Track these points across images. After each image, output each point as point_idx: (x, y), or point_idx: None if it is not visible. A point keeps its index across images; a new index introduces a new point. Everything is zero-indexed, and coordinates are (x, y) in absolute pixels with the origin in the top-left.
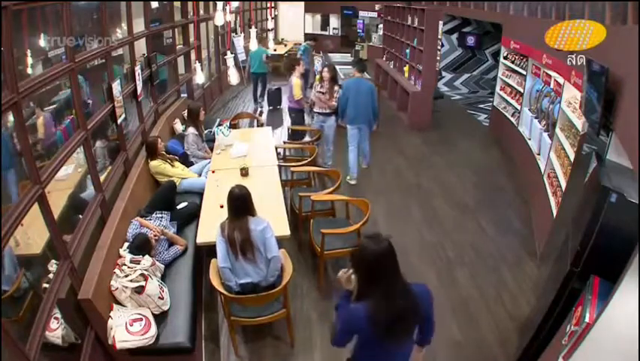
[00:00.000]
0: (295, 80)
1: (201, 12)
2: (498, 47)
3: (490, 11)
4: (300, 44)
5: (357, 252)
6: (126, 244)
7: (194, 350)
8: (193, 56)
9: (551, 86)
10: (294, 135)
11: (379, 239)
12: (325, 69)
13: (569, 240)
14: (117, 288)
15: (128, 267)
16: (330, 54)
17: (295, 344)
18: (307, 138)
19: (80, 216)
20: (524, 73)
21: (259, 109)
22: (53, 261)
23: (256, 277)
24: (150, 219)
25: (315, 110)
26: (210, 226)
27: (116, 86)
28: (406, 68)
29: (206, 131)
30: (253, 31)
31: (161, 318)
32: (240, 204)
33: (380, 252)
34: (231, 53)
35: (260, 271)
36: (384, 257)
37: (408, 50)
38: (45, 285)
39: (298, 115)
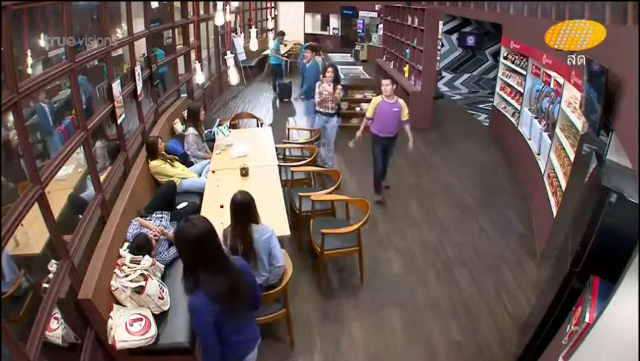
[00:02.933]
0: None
1: (201, 12)
2: (498, 47)
3: (490, 11)
4: (301, 44)
5: (178, 236)
6: (126, 244)
7: (194, 350)
8: (193, 56)
9: (551, 86)
10: None
11: (197, 221)
12: (330, 69)
13: (569, 240)
14: (117, 288)
15: (128, 267)
16: (330, 54)
17: (295, 344)
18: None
19: (80, 216)
20: (524, 73)
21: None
22: (53, 261)
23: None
24: (150, 220)
25: (318, 110)
26: None
27: (116, 86)
28: (406, 68)
29: (206, 132)
30: (253, 31)
31: (161, 318)
32: (243, 211)
33: (198, 232)
34: (231, 53)
35: (262, 276)
36: (204, 236)
37: (408, 50)
38: (45, 285)
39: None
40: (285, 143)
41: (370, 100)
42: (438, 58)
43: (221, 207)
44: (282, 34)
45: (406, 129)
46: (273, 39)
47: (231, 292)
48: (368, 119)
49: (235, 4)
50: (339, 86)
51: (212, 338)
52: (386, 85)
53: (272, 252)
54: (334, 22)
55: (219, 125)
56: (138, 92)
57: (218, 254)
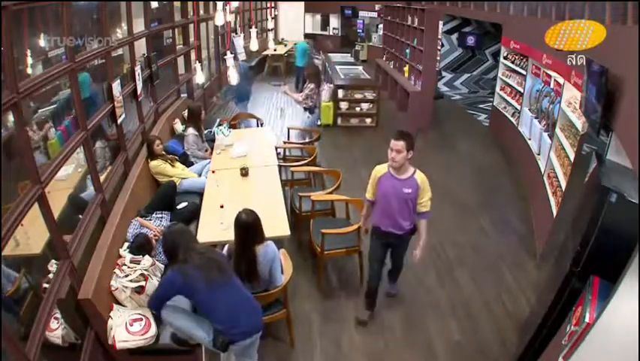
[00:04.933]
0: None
1: (201, 12)
2: (498, 47)
3: (490, 11)
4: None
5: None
6: (126, 244)
7: (194, 350)
8: (193, 56)
9: (551, 86)
10: None
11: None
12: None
13: (569, 240)
14: (117, 288)
15: (128, 267)
16: (330, 54)
17: (295, 344)
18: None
19: (80, 216)
20: (524, 73)
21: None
22: (53, 261)
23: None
24: (150, 220)
25: None
26: (210, 226)
27: (116, 86)
28: (405, 68)
29: (206, 132)
30: (253, 31)
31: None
32: (248, 233)
33: (175, 229)
34: (231, 53)
35: (260, 288)
36: (179, 232)
37: (408, 50)
38: (45, 285)
39: None
40: (285, 143)
41: (371, 100)
42: (438, 58)
43: (222, 207)
44: (313, 37)
45: (421, 226)
46: (274, 41)
47: (207, 263)
48: (368, 202)
49: (235, 4)
50: (310, 85)
51: (161, 300)
52: (396, 151)
53: (272, 272)
54: (334, 22)
55: (219, 125)
56: (138, 92)
57: (190, 245)
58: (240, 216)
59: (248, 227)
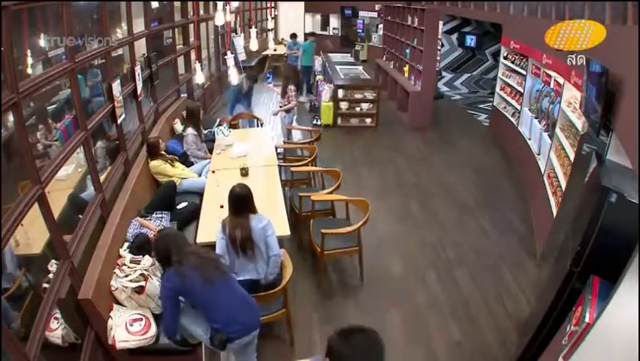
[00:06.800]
0: None
1: (201, 12)
2: (498, 47)
3: (490, 11)
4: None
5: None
6: (126, 244)
7: (195, 350)
8: (193, 56)
9: (551, 86)
10: None
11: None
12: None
13: (569, 240)
14: (117, 288)
15: (128, 267)
16: (330, 54)
17: (295, 344)
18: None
19: (80, 216)
20: (524, 73)
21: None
22: (53, 261)
23: (255, 274)
24: (150, 220)
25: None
26: (210, 226)
27: (116, 86)
28: (405, 68)
29: (206, 132)
30: (253, 31)
31: (161, 318)
32: (242, 203)
33: (167, 233)
34: (231, 53)
35: (260, 269)
36: (171, 236)
37: (408, 50)
38: (45, 285)
39: None
40: (285, 143)
41: (371, 100)
42: (438, 58)
43: (222, 207)
44: (314, 34)
45: None
46: (274, 41)
47: (203, 262)
48: None
49: (235, 4)
50: (290, 87)
51: (170, 311)
52: None
53: (267, 240)
54: (334, 22)
55: (219, 125)
56: (138, 92)
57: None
58: (235, 189)
59: (242, 198)
